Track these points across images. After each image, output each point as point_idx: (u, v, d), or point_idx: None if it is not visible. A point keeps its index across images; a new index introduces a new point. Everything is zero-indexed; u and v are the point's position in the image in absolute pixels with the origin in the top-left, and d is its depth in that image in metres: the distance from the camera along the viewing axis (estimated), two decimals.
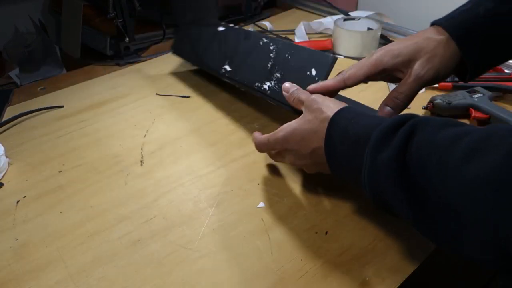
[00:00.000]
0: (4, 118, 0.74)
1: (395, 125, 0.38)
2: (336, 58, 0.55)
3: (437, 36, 0.49)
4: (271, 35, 1.04)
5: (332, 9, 1.14)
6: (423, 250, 0.49)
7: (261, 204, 0.55)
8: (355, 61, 0.93)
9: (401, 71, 0.51)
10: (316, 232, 0.51)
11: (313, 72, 0.56)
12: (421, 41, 0.49)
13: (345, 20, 0.98)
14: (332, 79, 0.53)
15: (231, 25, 0.77)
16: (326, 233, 0.51)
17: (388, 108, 0.52)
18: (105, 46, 1.05)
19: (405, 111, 0.75)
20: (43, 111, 0.76)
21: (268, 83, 0.61)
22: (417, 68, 0.49)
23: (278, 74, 0.60)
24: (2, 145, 0.63)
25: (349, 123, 0.43)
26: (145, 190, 0.58)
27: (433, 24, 0.51)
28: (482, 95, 0.73)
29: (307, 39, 1.01)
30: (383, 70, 0.51)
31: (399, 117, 0.39)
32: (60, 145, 0.67)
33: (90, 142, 0.68)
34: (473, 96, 0.73)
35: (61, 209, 0.55)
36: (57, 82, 0.88)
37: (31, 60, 1.08)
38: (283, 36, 1.03)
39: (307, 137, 0.48)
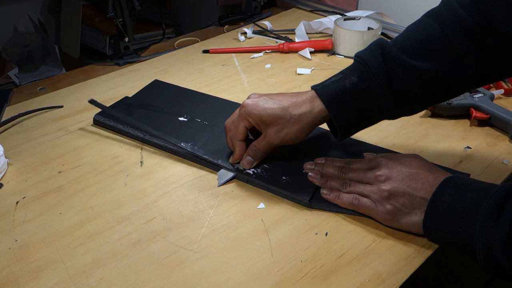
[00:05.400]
0: (3, 118, 0.74)
1: (499, 201, 0.42)
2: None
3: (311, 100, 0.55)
4: (270, 35, 1.03)
5: (333, 8, 1.14)
6: (423, 251, 0.49)
7: (261, 205, 0.55)
8: None
9: (260, 127, 0.57)
10: (316, 233, 0.51)
11: None
12: (288, 105, 0.55)
13: (345, 19, 0.98)
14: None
15: (198, 120, 0.70)
16: (326, 234, 0.51)
17: (249, 158, 0.58)
18: (105, 45, 1.06)
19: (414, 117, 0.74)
20: (43, 111, 0.76)
21: (253, 169, 0.59)
22: (271, 133, 0.56)
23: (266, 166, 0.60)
24: (2, 145, 0.62)
25: (453, 198, 0.46)
26: (145, 191, 0.58)
27: (313, 87, 0.56)
28: (483, 95, 0.72)
29: (307, 39, 1.00)
30: (249, 123, 0.57)
31: (501, 191, 0.43)
32: (59, 145, 0.67)
33: (89, 143, 0.68)
34: (474, 96, 0.72)
35: (61, 210, 0.55)
36: (56, 82, 0.88)
37: (30, 60, 1.08)
38: (283, 35, 1.02)
39: (418, 177, 0.50)
